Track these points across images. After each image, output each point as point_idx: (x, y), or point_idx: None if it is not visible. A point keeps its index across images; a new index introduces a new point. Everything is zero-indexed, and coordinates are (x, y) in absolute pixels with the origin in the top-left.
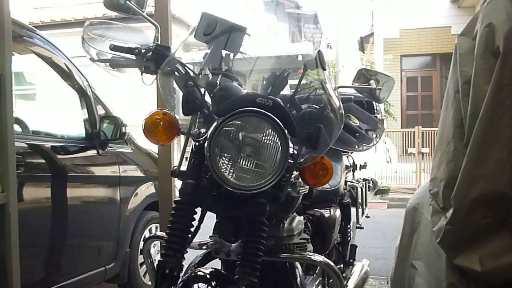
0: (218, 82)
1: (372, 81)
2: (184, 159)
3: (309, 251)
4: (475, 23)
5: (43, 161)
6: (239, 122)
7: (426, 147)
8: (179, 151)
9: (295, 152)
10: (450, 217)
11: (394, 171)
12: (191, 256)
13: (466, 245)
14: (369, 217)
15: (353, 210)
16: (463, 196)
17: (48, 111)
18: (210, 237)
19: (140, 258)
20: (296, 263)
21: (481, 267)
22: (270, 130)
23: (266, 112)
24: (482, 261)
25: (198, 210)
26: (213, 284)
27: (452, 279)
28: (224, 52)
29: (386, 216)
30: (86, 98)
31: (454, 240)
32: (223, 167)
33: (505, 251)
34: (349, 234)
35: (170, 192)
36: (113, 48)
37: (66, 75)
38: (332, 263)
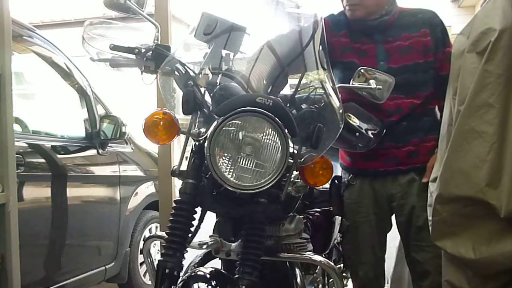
0: (218, 81)
1: (371, 81)
2: (184, 158)
3: (309, 251)
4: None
5: (43, 160)
6: (239, 122)
7: None
8: (179, 151)
9: (295, 151)
10: (433, 208)
11: None
12: (191, 255)
13: (458, 233)
14: None
15: None
16: (443, 189)
17: (48, 110)
18: (210, 236)
19: (140, 258)
20: (296, 263)
21: (474, 254)
22: (270, 130)
23: (266, 112)
24: (475, 248)
25: (198, 209)
26: (213, 284)
27: (449, 276)
28: (224, 52)
29: None
30: (86, 97)
31: (444, 228)
32: (223, 166)
33: (498, 236)
34: None
35: (170, 192)
36: (113, 47)
37: (66, 75)
38: (332, 263)
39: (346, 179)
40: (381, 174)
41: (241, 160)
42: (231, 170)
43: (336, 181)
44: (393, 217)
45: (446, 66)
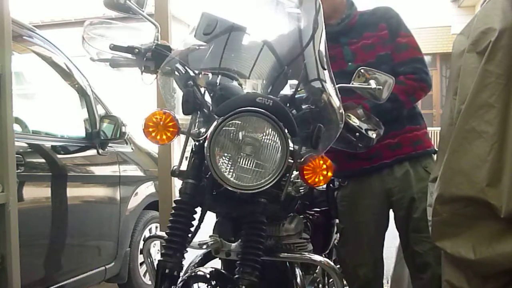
0: (218, 81)
1: (372, 81)
2: (184, 158)
3: (309, 251)
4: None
5: (43, 160)
6: (239, 122)
7: None
8: (179, 151)
9: (295, 151)
10: (433, 208)
11: None
12: (191, 255)
13: (458, 233)
14: None
15: None
16: (444, 189)
17: (48, 110)
18: (210, 236)
19: (140, 258)
20: (296, 262)
21: (474, 255)
22: (270, 130)
23: (266, 112)
24: (475, 248)
25: (198, 209)
26: (213, 284)
27: (449, 276)
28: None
29: None
30: (86, 97)
31: (444, 229)
32: (223, 166)
33: (498, 237)
34: None
35: (170, 192)
36: (113, 47)
37: (66, 75)
38: (332, 263)
39: (338, 182)
40: (371, 171)
41: (241, 160)
42: (231, 170)
43: (331, 184)
44: (390, 215)
45: (396, 56)
